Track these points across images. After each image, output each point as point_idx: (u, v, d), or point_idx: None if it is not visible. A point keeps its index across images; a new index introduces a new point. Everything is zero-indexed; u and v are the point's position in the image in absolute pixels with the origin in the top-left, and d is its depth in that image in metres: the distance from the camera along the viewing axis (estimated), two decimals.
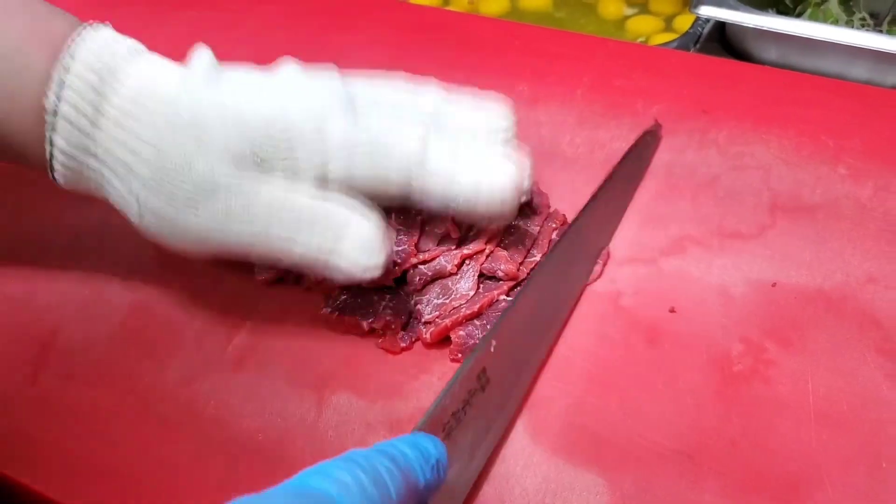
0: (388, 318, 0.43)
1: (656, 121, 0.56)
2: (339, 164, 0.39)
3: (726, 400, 0.41)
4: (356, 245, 0.39)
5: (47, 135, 0.39)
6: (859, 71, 0.63)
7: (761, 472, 0.38)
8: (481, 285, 0.45)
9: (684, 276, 0.47)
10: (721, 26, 0.70)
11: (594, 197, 0.47)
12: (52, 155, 0.40)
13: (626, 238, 0.49)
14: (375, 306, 0.44)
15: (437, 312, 0.43)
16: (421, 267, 0.44)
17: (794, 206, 0.50)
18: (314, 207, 0.39)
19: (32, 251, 0.51)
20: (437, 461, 0.32)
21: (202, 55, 0.41)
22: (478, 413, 0.37)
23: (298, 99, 0.40)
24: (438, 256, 0.44)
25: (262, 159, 0.39)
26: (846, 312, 0.44)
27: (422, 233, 0.45)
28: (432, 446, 0.33)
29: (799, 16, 0.81)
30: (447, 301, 0.43)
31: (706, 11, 0.64)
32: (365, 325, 0.43)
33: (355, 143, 0.39)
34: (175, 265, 0.48)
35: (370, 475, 0.28)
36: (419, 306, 0.44)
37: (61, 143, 0.39)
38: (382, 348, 0.44)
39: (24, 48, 0.39)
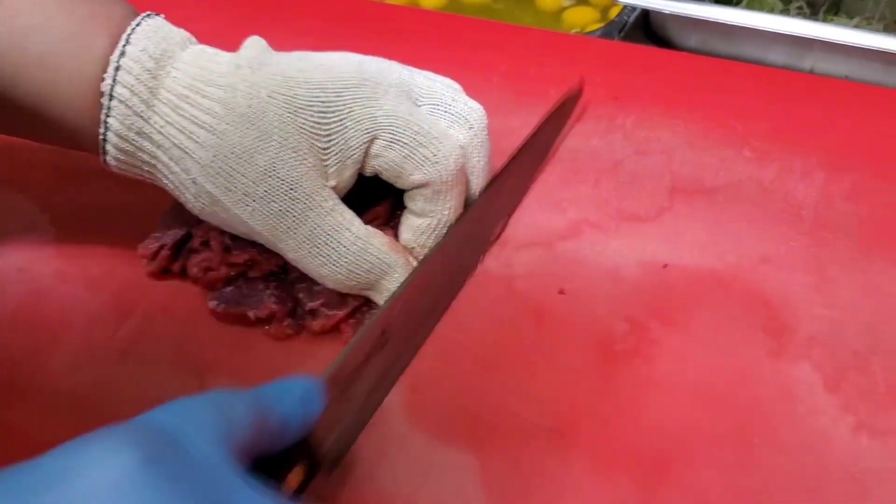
0: (272, 306, 0.43)
1: (580, 84, 0.56)
2: (381, 149, 0.41)
3: (604, 378, 0.41)
4: (392, 287, 0.42)
5: (102, 116, 0.40)
6: (776, 56, 0.63)
7: (630, 449, 0.38)
8: None
9: (578, 259, 0.47)
10: (645, 15, 0.70)
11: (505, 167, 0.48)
12: (105, 137, 0.40)
13: (525, 223, 0.49)
14: (261, 295, 0.44)
15: (321, 300, 0.43)
16: None
17: (695, 189, 0.50)
18: (359, 244, 0.41)
19: None
20: (304, 393, 0.32)
21: (255, 41, 0.43)
22: (374, 369, 0.38)
23: (352, 72, 0.42)
24: None
25: (319, 149, 0.40)
26: (735, 292, 0.44)
27: None
28: (296, 383, 0.33)
29: (738, 3, 0.82)
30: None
31: None
32: (251, 314, 0.43)
33: (401, 134, 0.41)
34: (71, 254, 0.48)
35: (218, 405, 0.28)
36: (301, 294, 0.44)
37: (115, 125, 0.40)
38: (270, 336, 0.44)
39: (83, 33, 0.40)
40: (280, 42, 0.66)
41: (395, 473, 0.38)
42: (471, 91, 0.57)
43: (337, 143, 0.41)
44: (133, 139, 0.41)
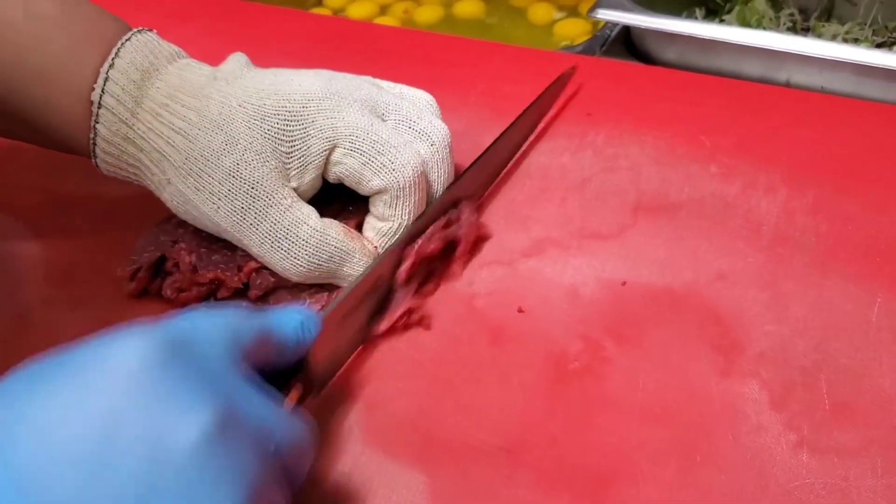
0: None
1: (573, 66, 0.59)
2: (341, 157, 0.44)
3: (555, 397, 0.42)
4: (353, 273, 0.45)
5: (92, 124, 0.44)
6: (753, 68, 0.64)
7: (576, 467, 0.39)
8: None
9: (538, 277, 0.48)
10: (627, 30, 0.71)
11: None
12: (94, 142, 0.45)
13: (491, 241, 0.50)
14: None
15: None
16: (265, 271, 0.46)
17: (658, 205, 0.51)
18: (317, 237, 0.44)
19: None
20: (302, 322, 0.36)
21: (237, 57, 0.47)
22: (365, 310, 0.44)
23: (320, 86, 0.45)
24: None
25: (282, 153, 0.43)
26: (688, 309, 0.45)
27: None
28: (297, 311, 0.37)
29: (728, 13, 0.82)
30: None
31: (603, 14, 0.65)
32: None
33: (361, 143, 0.44)
34: (58, 277, 0.50)
35: (229, 318, 0.33)
36: None
37: (104, 132, 0.44)
38: None
39: (78, 49, 0.44)
40: (266, 62, 0.68)
41: (348, 492, 0.39)
42: (448, 109, 0.59)
43: (299, 148, 0.44)
44: (119, 144, 0.45)
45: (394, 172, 0.44)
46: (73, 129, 0.45)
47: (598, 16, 0.65)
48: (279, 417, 0.32)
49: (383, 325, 0.44)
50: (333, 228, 0.45)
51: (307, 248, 0.44)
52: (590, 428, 0.40)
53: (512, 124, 0.53)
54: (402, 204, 0.45)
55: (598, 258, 0.48)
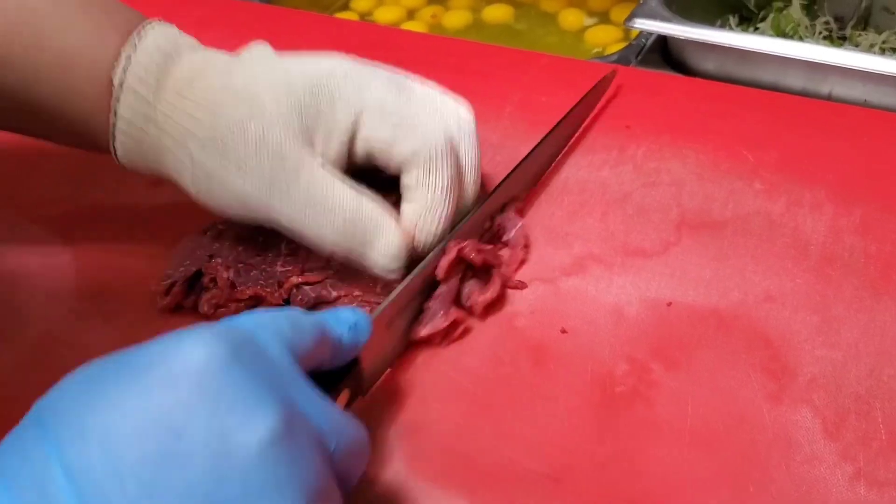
0: None
1: (613, 70, 0.58)
2: (370, 124, 0.44)
3: (602, 422, 0.41)
4: (383, 252, 0.43)
5: (112, 106, 0.43)
6: (794, 80, 0.62)
7: (625, 496, 0.38)
8: None
9: (581, 296, 0.47)
10: (663, 38, 0.70)
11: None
12: (115, 125, 0.44)
13: (531, 258, 0.49)
14: None
15: None
16: (305, 287, 0.45)
17: (702, 222, 0.50)
18: (350, 203, 0.43)
19: None
20: (356, 323, 0.36)
21: (259, 43, 0.46)
22: (412, 311, 0.44)
23: (346, 63, 0.45)
24: (324, 280, 0.45)
25: (307, 126, 0.43)
26: (737, 331, 0.44)
27: (310, 253, 0.46)
28: (350, 312, 0.37)
29: (762, 21, 0.81)
30: None
31: (640, 24, 0.64)
32: None
33: (390, 109, 0.44)
34: (89, 290, 0.50)
35: (289, 318, 0.32)
36: None
37: (125, 113, 0.43)
38: None
39: (99, 33, 0.44)
40: None
41: None
42: (483, 120, 0.58)
43: (326, 118, 0.43)
44: (140, 125, 0.44)
45: (424, 136, 0.44)
46: (93, 114, 0.44)
47: (636, 25, 0.64)
48: (337, 419, 0.32)
49: (425, 330, 0.44)
50: (367, 196, 0.43)
51: (341, 215, 0.42)
52: (639, 454, 0.39)
53: (552, 130, 0.53)
54: (435, 171, 0.44)
55: (642, 277, 0.47)
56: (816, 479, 0.38)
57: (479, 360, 0.44)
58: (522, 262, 0.48)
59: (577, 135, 0.57)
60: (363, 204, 0.43)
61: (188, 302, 0.47)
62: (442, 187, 0.44)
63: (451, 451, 0.40)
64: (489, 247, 0.47)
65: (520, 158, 0.52)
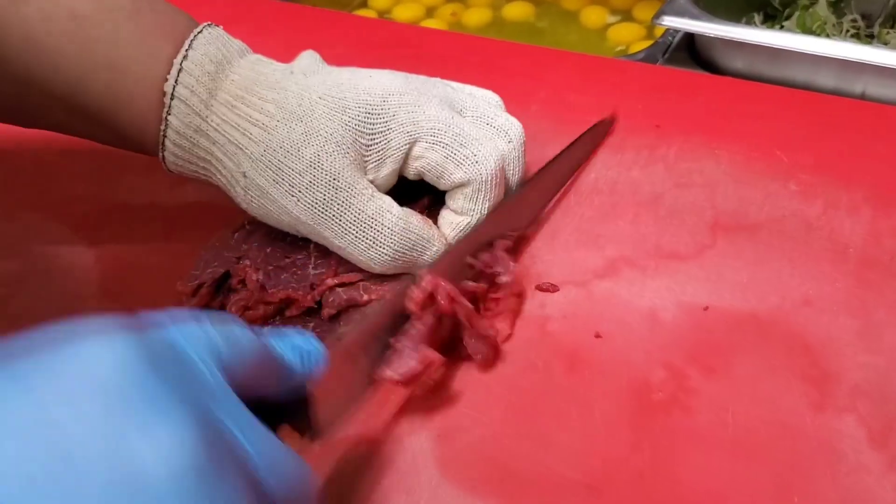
0: None
1: (612, 115, 0.56)
2: (422, 152, 0.43)
3: (639, 429, 0.40)
4: (429, 261, 0.44)
5: (163, 115, 0.43)
6: (826, 79, 0.61)
7: None
8: None
9: (615, 300, 0.46)
10: (691, 36, 0.68)
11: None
12: (165, 134, 0.43)
13: (561, 260, 0.48)
14: None
15: None
16: (339, 290, 0.44)
17: (737, 224, 0.49)
18: (399, 226, 0.43)
19: None
20: (305, 350, 0.33)
21: (309, 54, 0.46)
22: (379, 347, 0.39)
23: (398, 82, 0.44)
24: (358, 282, 0.44)
25: (362, 145, 0.43)
26: (776, 337, 0.43)
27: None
28: (301, 338, 0.34)
29: (787, 19, 0.79)
30: None
31: (669, 22, 0.63)
32: None
33: (443, 139, 0.43)
34: (114, 290, 0.49)
35: (222, 330, 0.28)
36: (341, 331, 0.43)
37: (176, 123, 0.43)
38: None
39: (149, 39, 0.43)
40: None
41: None
42: None
43: (379, 142, 0.43)
44: (191, 136, 0.43)
45: (477, 165, 0.44)
46: (143, 122, 0.44)
47: (664, 23, 0.63)
48: (276, 451, 0.28)
49: (390, 372, 0.39)
50: (414, 217, 0.44)
51: (392, 237, 0.43)
52: (679, 463, 0.38)
53: (545, 167, 0.50)
54: (483, 197, 0.45)
55: (677, 280, 0.46)
56: (863, 490, 0.37)
57: (512, 365, 0.43)
58: (515, 314, 0.45)
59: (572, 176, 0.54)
60: (411, 225, 0.44)
61: (215, 303, 0.46)
62: (487, 208, 0.45)
63: (486, 458, 0.39)
64: (472, 285, 0.44)
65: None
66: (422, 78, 0.46)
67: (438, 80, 0.47)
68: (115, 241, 0.52)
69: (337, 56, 0.66)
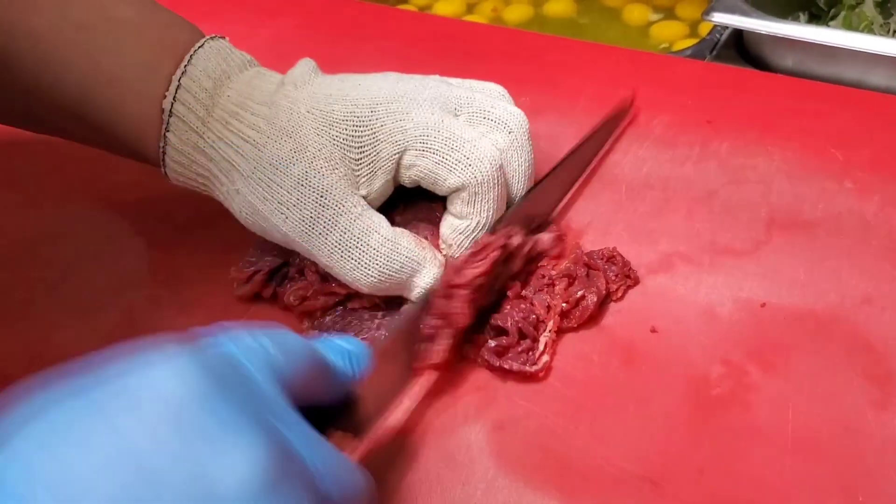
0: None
1: (631, 98, 0.56)
2: (414, 160, 0.43)
3: (699, 425, 0.39)
4: (423, 287, 0.43)
5: (162, 132, 0.43)
6: (878, 78, 0.60)
7: (727, 501, 0.36)
8: None
9: (670, 295, 0.45)
10: (738, 33, 0.68)
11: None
12: (164, 151, 0.43)
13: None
14: (367, 325, 0.44)
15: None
16: None
17: (793, 221, 0.49)
18: (386, 249, 0.42)
19: None
20: (352, 353, 0.34)
21: (305, 63, 0.45)
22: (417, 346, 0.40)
23: (387, 88, 0.43)
24: None
25: (351, 160, 0.42)
26: (836, 335, 0.42)
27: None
28: (345, 341, 0.34)
29: (832, 19, 0.79)
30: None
31: (719, 18, 0.62)
32: None
33: (433, 145, 0.42)
34: (164, 276, 0.49)
35: (277, 341, 0.29)
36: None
37: (174, 140, 0.43)
38: None
39: (153, 55, 0.43)
40: (363, 62, 0.66)
41: None
42: (558, 115, 0.57)
43: (368, 154, 0.42)
44: (189, 153, 0.43)
45: (470, 167, 0.42)
46: (143, 136, 0.44)
47: (714, 19, 0.62)
48: (337, 463, 0.28)
49: (428, 359, 0.40)
50: (405, 238, 0.43)
51: (378, 258, 0.42)
52: (740, 460, 0.38)
53: (569, 154, 0.50)
54: (482, 200, 0.43)
55: (733, 276, 0.46)
56: None
57: (566, 358, 0.43)
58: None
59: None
60: (399, 247, 0.42)
61: (266, 292, 0.46)
62: (487, 210, 0.44)
63: (542, 449, 0.39)
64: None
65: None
66: (417, 78, 0.45)
67: (435, 77, 0.46)
68: (164, 227, 0.52)
69: (383, 50, 0.67)
